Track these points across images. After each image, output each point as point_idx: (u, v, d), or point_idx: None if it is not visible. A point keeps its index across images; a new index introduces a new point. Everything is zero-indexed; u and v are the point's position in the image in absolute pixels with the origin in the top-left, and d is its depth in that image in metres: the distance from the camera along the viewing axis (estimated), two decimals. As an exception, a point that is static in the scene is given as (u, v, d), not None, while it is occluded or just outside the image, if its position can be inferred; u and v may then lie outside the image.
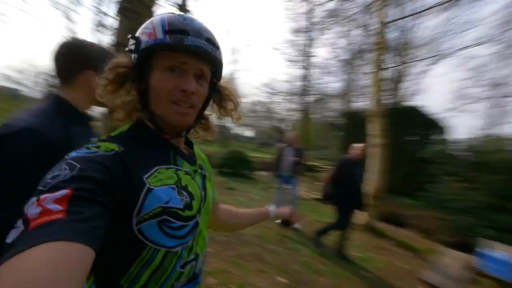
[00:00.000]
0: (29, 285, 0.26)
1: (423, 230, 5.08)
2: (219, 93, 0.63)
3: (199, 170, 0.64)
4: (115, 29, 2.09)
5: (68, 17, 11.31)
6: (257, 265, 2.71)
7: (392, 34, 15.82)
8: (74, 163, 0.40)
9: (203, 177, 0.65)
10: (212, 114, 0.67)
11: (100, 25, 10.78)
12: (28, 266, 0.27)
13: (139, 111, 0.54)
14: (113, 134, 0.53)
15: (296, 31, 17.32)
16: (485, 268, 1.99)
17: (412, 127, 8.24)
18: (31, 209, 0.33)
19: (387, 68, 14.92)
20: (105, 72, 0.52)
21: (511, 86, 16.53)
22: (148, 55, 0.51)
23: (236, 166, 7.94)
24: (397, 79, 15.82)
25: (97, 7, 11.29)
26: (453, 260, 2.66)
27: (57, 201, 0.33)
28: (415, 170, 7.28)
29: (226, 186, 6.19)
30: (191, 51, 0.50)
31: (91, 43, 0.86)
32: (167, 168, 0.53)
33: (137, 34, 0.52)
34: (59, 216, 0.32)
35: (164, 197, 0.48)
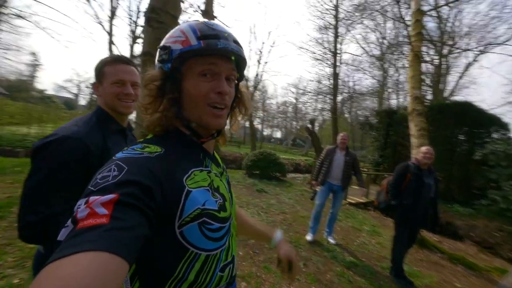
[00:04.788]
0: None
1: (482, 243, 4.44)
2: (236, 95, 0.62)
3: (224, 172, 0.66)
4: (143, 39, 2.18)
5: (106, 30, 12.63)
6: (289, 273, 2.59)
7: (430, 24, 14.42)
8: (122, 164, 0.41)
9: (228, 180, 0.66)
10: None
11: (134, 35, 11.76)
12: (68, 274, 0.27)
13: (173, 120, 0.54)
14: (149, 137, 0.55)
15: (323, 28, 16.78)
16: None
17: (462, 125, 7.31)
18: (81, 209, 0.35)
19: (426, 61, 13.62)
20: (142, 91, 0.54)
21: None
22: (181, 63, 0.52)
23: (266, 168, 7.73)
24: (439, 73, 14.33)
25: (129, 18, 12.35)
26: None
27: (104, 204, 0.35)
28: (471, 174, 6.43)
29: (256, 188, 6.14)
30: (224, 53, 0.52)
31: (109, 56, 0.97)
32: (201, 171, 0.53)
33: (166, 44, 0.53)
34: (103, 221, 0.33)
35: (201, 199, 0.48)
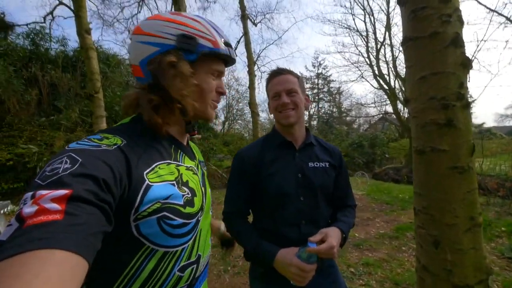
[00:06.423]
0: None
1: None
2: None
3: (200, 166, 0.65)
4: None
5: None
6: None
7: None
8: (76, 156, 0.38)
9: (202, 174, 0.66)
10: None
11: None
12: (17, 275, 0.25)
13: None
14: (115, 125, 0.54)
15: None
16: None
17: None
18: (26, 206, 0.31)
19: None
20: (174, 70, 0.51)
21: None
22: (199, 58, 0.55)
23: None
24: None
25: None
26: None
27: (55, 200, 0.31)
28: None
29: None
30: (233, 62, 0.63)
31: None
32: (168, 164, 0.51)
33: (190, 34, 0.53)
34: (57, 217, 0.30)
35: (163, 193, 0.46)
